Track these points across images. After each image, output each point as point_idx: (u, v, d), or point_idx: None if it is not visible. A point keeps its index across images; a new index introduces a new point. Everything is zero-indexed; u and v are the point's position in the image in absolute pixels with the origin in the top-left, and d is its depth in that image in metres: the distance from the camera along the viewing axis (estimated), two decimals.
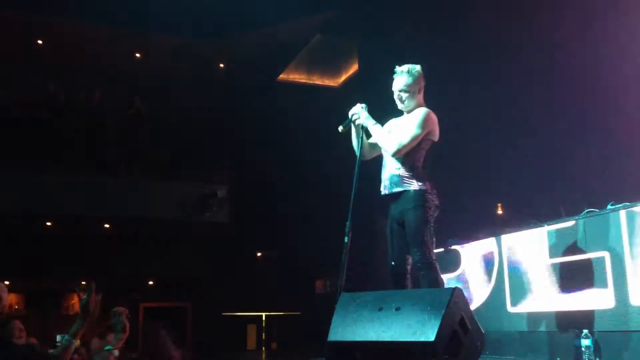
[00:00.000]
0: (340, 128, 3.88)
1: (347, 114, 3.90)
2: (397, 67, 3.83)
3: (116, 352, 2.26)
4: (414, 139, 3.64)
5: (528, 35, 6.37)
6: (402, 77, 3.78)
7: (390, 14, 8.88)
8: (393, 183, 3.72)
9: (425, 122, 3.66)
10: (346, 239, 3.53)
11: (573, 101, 5.93)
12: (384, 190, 3.81)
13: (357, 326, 3.03)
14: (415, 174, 3.67)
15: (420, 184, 3.65)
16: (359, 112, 3.84)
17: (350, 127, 3.91)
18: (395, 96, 3.83)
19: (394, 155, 3.67)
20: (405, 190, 3.66)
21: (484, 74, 6.97)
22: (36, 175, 9.41)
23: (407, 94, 3.77)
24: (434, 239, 3.64)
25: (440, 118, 3.80)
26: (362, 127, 3.86)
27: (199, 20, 10.63)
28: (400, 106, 3.85)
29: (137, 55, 12.03)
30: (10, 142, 9.73)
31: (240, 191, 10.83)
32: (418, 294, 3.03)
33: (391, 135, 3.75)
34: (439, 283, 3.53)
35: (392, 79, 3.85)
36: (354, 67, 11.99)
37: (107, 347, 2.30)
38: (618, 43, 5.31)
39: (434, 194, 3.68)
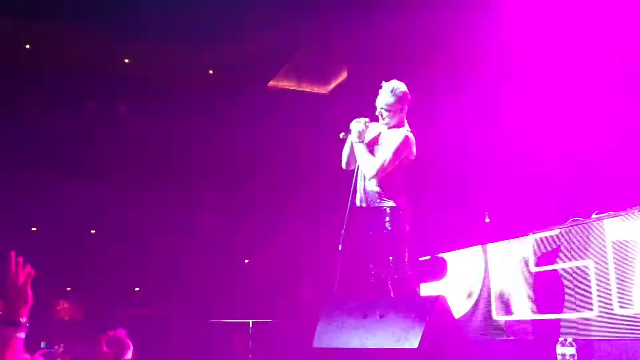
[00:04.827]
0: (341, 135, 3.94)
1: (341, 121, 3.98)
2: (383, 82, 3.88)
3: None
4: (390, 163, 3.70)
5: (515, 42, 6.41)
6: (386, 95, 3.83)
7: (379, 22, 8.92)
8: (369, 199, 3.77)
9: (402, 148, 3.72)
10: (340, 247, 3.57)
11: (559, 111, 5.98)
12: (359, 203, 3.84)
13: (341, 333, 3.04)
14: (390, 191, 3.74)
15: (395, 200, 3.71)
16: (355, 128, 3.85)
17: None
18: (377, 111, 3.89)
19: (370, 178, 3.74)
20: (380, 207, 3.71)
21: (472, 82, 7.01)
22: (23, 181, 9.34)
23: (387, 113, 3.84)
24: (407, 253, 3.69)
25: (427, 127, 3.85)
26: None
27: (188, 26, 10.62)
28: (380, 121, 3.90)
29: (126, 60, 11.98)
30: None
31: (227, 197, 10.79)
32: (402, 302, 3.04)
33: (371, 159, 3.77)
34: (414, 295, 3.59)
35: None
36: (344, 75, 12.02)
37: None
38: (604, 52, 5.36)
39: (407, 210, 3.75)
